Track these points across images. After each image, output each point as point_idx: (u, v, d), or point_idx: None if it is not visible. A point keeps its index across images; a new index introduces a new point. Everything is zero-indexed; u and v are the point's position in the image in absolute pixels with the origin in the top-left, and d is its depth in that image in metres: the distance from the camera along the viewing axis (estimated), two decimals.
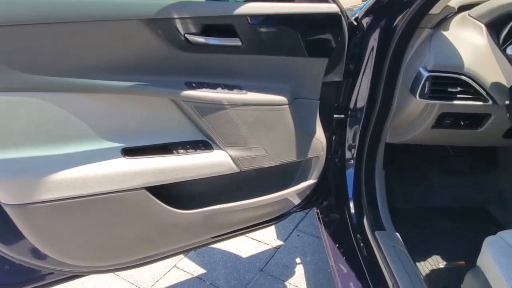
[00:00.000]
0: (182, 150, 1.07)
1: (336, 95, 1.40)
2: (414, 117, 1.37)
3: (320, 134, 1.32)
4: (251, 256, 2.00)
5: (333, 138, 1.49)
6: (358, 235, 1.46)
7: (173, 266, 1.92)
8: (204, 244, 1.35)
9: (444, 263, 1.49)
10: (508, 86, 1.23)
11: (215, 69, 1.07)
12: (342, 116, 1.45)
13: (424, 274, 1.43)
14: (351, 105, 1.45)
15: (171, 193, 1.13)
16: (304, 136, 1.27)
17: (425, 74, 1.22)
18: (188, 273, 1.89)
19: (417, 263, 1.47)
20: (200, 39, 1.00)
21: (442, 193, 1.90)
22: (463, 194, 1.90)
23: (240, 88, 1.09)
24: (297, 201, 1.49)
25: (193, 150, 1.09)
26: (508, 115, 1.29)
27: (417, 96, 1.24)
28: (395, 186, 1.67)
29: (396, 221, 1.50)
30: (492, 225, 1.74)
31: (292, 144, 1.24)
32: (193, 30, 0.98)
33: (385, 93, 1.35)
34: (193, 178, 1.10)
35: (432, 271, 1.45)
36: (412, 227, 1.66)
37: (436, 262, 1.49)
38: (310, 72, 1.19)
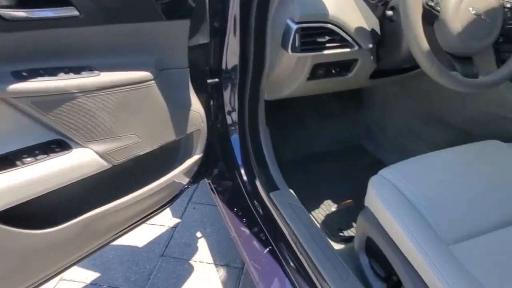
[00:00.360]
0: (29, 158, 0.85)
1: (206, 58, 1.29)
2: (289, 72, 1.34)
3: (196, 105, 1.20)
4: (149, 243, 1.86)
5: (211, 104, 1.39)
6: (254, 200, 1.43)
7: (60, 279, 1.67)
8: (95, 250, 1.17)
9: (335, 205, 1.57)
10: (369, 29, 1.26)
11: (52, 50, 0.84)
12: (217, 80, 1.34)
13: (320, 221, 1.49)
14: (224, 67, 1.35)
15: (28, 213, 0.91)
16: (179, 111, 1.13)
17: (294, 26, 1.17)
18: (79, 282, 1.67)
19: (312, 213, 1.52)
20: (20, 13, 0.76)
21: (322, 138, 1.99)
22: (339, 135, 2.02)
23: (90, 69, 0.89)
24: (186, 180, 1.38)
25: (45, 155, 0.87)
26: (372, 57, 1.34)
27: (289, 51, 1.20)
28: (278, 141, 1.68)
29: (286, 175, 1.51)
30: (367, 158, 1.90)
31: (168, 122, 1.10)
32: (4, 1, 0.74)
33: (256, 49, 1.28)
34: (54, 189, 0.90)
35: (327, 216, 1.52)
36: (301, 177, 1.70)
37: (328, 207, 1.56)
38: (172, 38, 1.04)
